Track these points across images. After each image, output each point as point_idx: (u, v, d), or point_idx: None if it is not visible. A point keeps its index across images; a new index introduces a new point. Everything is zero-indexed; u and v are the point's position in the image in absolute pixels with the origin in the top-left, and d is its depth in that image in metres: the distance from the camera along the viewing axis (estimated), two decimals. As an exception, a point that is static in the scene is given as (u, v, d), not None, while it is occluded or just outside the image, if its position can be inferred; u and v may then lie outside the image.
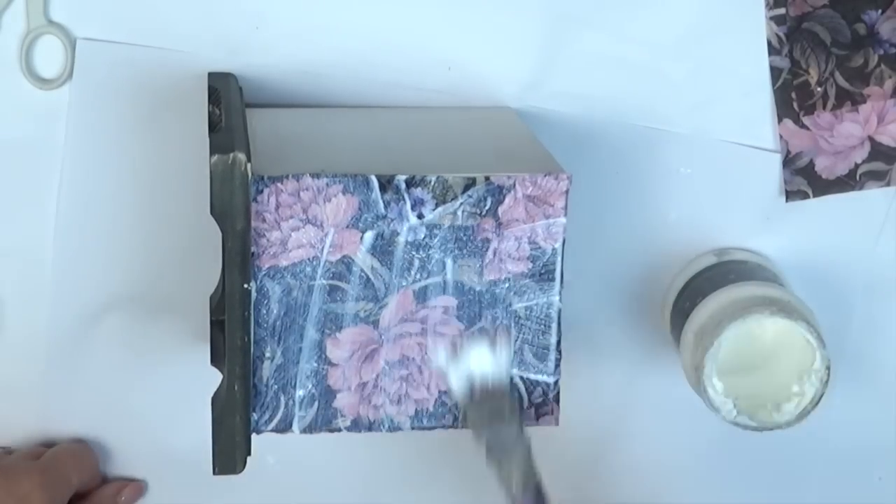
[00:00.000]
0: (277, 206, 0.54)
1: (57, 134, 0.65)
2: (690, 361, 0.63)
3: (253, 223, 0.54)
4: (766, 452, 0.73)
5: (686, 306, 0.66)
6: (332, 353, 0.57)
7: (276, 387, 0.57)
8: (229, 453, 0.55)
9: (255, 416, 0.57)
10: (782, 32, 0.67)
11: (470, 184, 0.55)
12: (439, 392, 0.58)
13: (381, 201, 0.55)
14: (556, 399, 0.59)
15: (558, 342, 0.58)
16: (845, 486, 0.75)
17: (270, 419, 0.57)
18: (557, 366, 0.59)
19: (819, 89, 0.67)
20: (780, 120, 0.68)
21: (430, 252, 0.56)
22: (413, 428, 0.59)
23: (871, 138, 0.68)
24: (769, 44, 0.67)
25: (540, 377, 0.59)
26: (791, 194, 0.69)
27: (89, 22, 0.64)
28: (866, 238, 0.70)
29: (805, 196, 0.69)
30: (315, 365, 0.57)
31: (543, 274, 0.57)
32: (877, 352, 0.72)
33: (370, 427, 0.58)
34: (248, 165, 0.52)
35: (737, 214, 0.70)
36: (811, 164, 0.68)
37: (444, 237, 0.56)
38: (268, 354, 0.56)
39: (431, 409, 0.59)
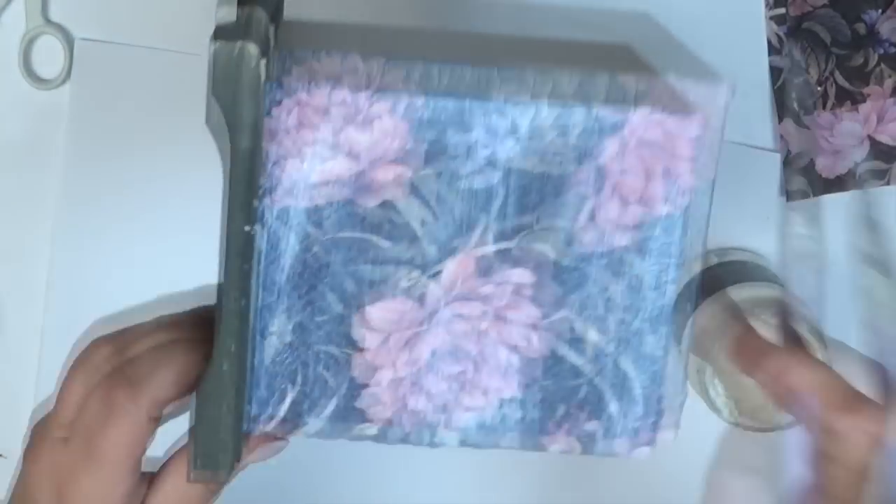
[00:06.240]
0: (299, 126, 0.41)
1: (56, 134, 0.65)
2: (692, 363, 0.62)
3: (265, 146, 0.41)
4: (767, 453, 0.73)
5: (686, 307, 0.66)
6: (359, 334, 0.43)
7: (281, 372, 0.43)
8: (211, 454, 0.42)
9: (250, 408, 0.44)
10: (782, 32, 0.67)
11: (565, 116, 0.41)
12: (500, 401, 0.43)
13: (440, 129, 0.41)
14: (657, 424, 0.46)
15: (667, 348, 0.45)
16: (845, 486, 0.74)
17: (271, 416, 0.44)
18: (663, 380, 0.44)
19: (819, 89, 0.67)
20: (780, 120, 0.68)
21: (504, 206, 0.42)
22: (462, 445, 0.44)
23: (870, 137, 0.68)
24: (769, 44, 0.67)
25: (640, 393, 0.45)
26: (791, 194, 0.69)
27: (88, 22, 0.64)
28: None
29: (805, 196, 0.69)
30: (336, 348, 0.43)
31: (657, 251, 0.44)
32: (877, 351, 0.72)
33: (405, 439, 0.44)
34: (263, 63, 0.39)
35: (737, 214, 0.69)
36: (811, 163, 0.68)
37: (523, 187, 0.42)
38: (273, 328, 0.43)
39: (489, 421, 0.43)
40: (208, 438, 0.42)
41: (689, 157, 0.42)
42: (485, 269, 0.42)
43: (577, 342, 0.43)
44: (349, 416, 0.43)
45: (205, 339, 0.44)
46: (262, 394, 0.43)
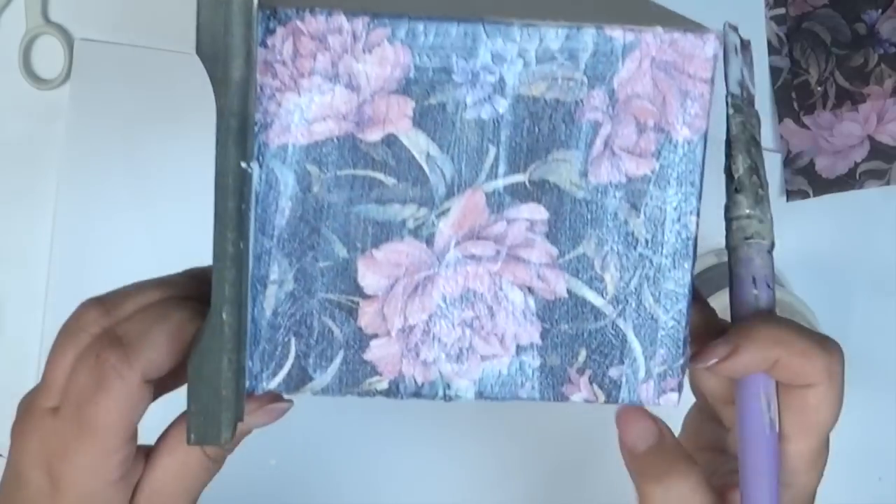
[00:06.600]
0: (295, 56, 0.38)
1: (56, 134, 0.65)
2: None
3: (259, 79, 0.38)
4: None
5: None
6: (365, 280, 0.40)
7: (284, 324, 0.40)
8: (211, 413, 0.39)
9: (251, 364, 0.40)
10: (782, 32, 0.67)
11: (574, 38, 0.39)
12: (517, 347, 0.41)
13: (444, 55, 0.39)
14: (685, 367, 0.41)
15: (692, 282, 0.41)
16: (845, 486, 0.75)
17: (275, 371, 0.41)
18: (689, 319, 0.41)
19: (819, 89, 0.67)
20: (780, 120, 0.68)
21: (513, 136, 0.40)
22: (479, 397, 0.41)
23: (870, 137, 0.68)
24: (769, 44, 0.67)
25: (665, 333, 0.41)
26: (791, 194, 0.69)
27: (88, 22, 0.64)
28: (866, 238, 0.70)
29: (805, 196, 0.69)
30: (341, 296, 0.40)
31: (676, 179, 0.40)
32: (877, 352, 0.72)
33: (418, 392, 0.41)
34: None
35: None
36: (811, 163, 0.68)
37: (534, 115, 0.39)
38: (274, 276, 0.40)
39: (506, 371, 0.41)
40: (208, 396, 0.39)
41: (705, 78, 0.39)
42: (496, 205, 0.40)
43: (596, 281, 0.41)
44: (358, 369, 0.41)
45: (199, 297, 0.41)
46: (263, 348, 0.41)
